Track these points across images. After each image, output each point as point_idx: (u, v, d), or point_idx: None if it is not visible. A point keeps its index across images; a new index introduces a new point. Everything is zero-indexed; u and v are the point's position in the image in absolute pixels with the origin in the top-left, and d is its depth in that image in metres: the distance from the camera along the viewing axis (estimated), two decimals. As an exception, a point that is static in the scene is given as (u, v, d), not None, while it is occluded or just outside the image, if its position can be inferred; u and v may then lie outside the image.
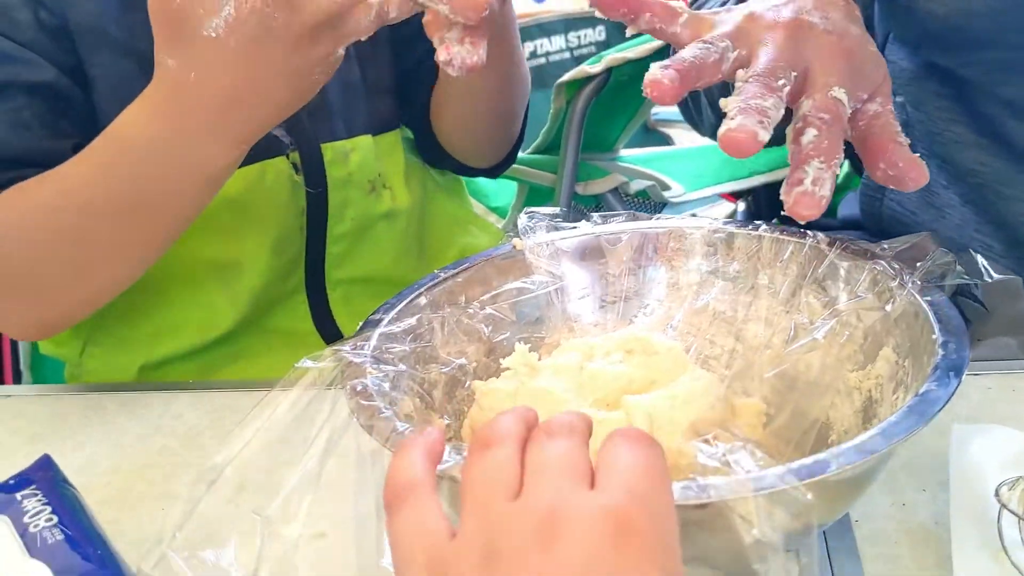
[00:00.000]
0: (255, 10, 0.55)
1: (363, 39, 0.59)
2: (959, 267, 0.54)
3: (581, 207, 0.64)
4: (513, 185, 1.47)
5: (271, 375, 0.82)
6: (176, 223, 0.68)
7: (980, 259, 0.57)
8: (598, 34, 2.80)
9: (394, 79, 0.89)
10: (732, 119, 0.49)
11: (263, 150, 0.78)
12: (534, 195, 1.39)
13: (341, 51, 0.60)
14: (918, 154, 0.53)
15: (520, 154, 1.41)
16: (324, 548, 0.55)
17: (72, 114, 0.73)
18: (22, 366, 1.04)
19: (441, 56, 0.56)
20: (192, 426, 0.71)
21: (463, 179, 1.04)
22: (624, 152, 1.44)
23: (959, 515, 0.50)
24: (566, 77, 1.22)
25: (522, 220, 0.66)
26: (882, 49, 0.82)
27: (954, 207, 0.90)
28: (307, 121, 0.80)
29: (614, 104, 1.31)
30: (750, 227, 0.64)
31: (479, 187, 1.49)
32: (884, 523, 0.54)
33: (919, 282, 0.53)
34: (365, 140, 0.84)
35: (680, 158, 1.53)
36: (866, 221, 1.05)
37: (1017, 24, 0.75)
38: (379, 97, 0.87)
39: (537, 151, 1.39)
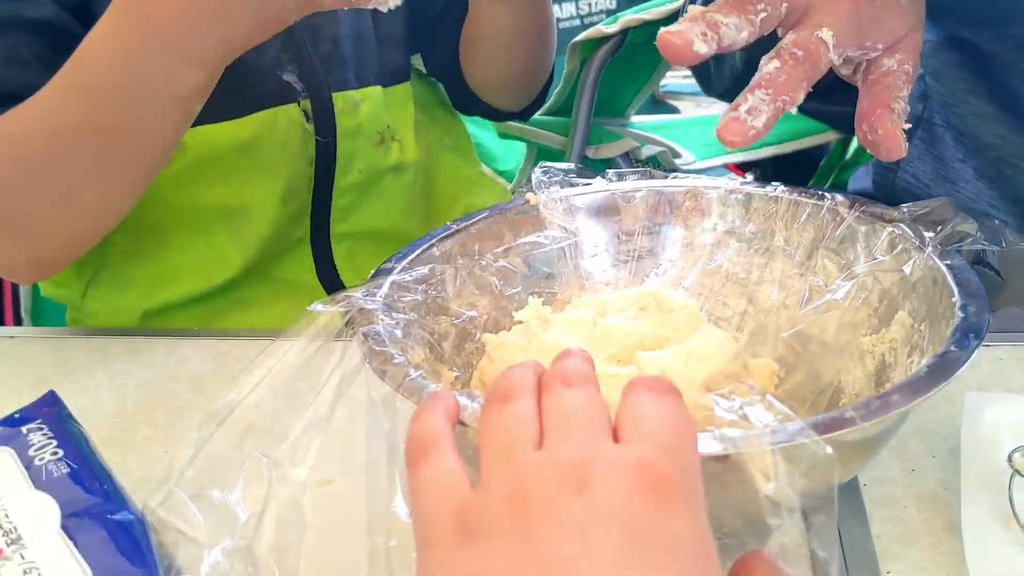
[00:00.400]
0: None
1: None
2: (979, 233, 0.54)
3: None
4: (521, 148, 1.46)
5: (274, 324, 0.82)
6: (154, 145, 0.66)
7: (1000, 225, 0.56)
8: (609, 2, 2.78)
9: (407, 31, 0.88)
10: (679, 24, 0.47)
11: (275, 96, 0.77)
12: (543, 157, 1.37)
13: None
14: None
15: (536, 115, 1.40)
16: (331, 494, 0.55)
17: (72, 52, 0.72)
18: (23, 311, 1.04)
19: None
20: (197, 371, 0.71)
21: (472, 141, 1.04)
22: (635, 119, 1.43)
23: (969, 480, 0.50)
24: (581, 37, 1.21)
25: (536, 174, 0.65)
26: None
27: (969, 181, 0.89)
28: (320, 69, 0.79)
29: (628, 68, 1.30)
30: (768, 187, 0.63)
31: (487, 150, 1.48)
32: (893, 487, 0.54)
33: (939, 246, 0.52)
34: (375, 91, 0.83)
35: (690, 126, 1.52)
36: (878, 194, 1.04)
37: None
38: (391, 48, 0.87)
39: (548, 112, 1.37)
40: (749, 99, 0.48)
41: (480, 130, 1.53)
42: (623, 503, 0.32)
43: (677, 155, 1.36)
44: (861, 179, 1.22)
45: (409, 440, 0.38)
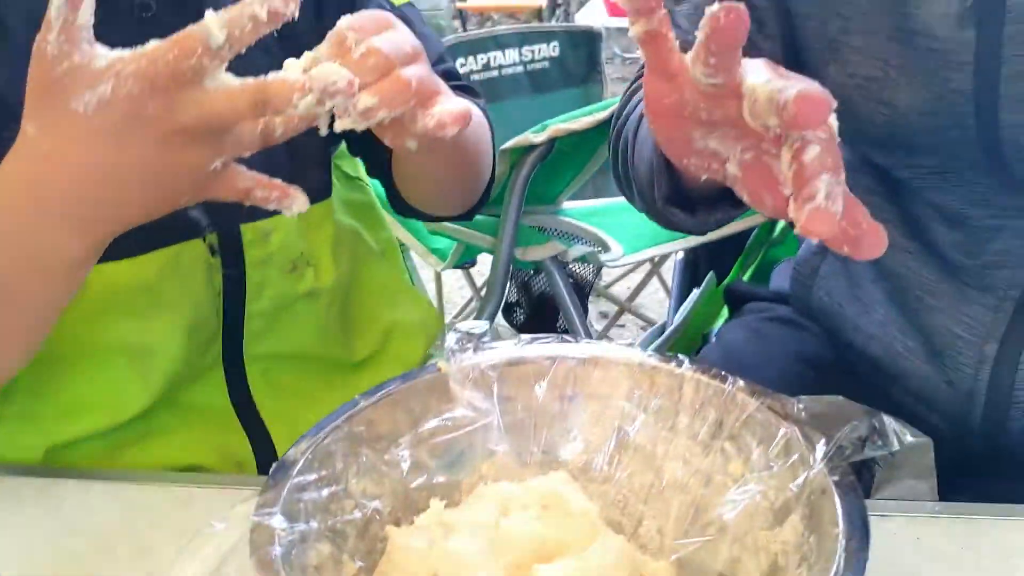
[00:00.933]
0: (131, 95, 0.54)
1: (245, 155, 0.59)
2: (870, 438, 0.56)
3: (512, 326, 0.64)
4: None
5: (184, 454, 0.82)
6: (43, 310, 0.66)
7: (890, 424, 0.58)
8: (552, 49, 2.82)
9: (323, 149, 0.88)
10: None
11: (178, 233, 0.76)
12: (472, 251, 1.39)
13: (218, 164, 0.59)
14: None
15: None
16: None
17: None
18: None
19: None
20: (105, 527, 0.70)
21: (398, 243, 1.04)
22: (567, 204, 1.45)
23: None
24: (509, 144, 1.22)
25: (450, 340, 0.66)
26: None
27: (880, 303, 0.91)
28: (224, 202, 0.78)
29: (558, 166, 1.31)
30: (673, 363, 0.65)
31: (418, 227, 1.49)
32: None
33: (829, 459, 0.54)
34: (285, 219, 0.82)
35: (622, 211, 1.54)
36: (795, 304, 1.07)
37: (954, 138, 0.76)
38: (306, 170, 0.85)
39: (477, 209, 1.38)
40: (820, 185, 0.47)
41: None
42: None
43: (606, 248, 1.38)
44: (783, 277, 1.25)
45: None
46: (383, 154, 0.88)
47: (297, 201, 0.62)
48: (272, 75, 0.56)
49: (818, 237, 0.47)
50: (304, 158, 0.85)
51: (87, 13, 0.55)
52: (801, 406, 0.58)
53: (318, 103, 0.55)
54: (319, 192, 0.88)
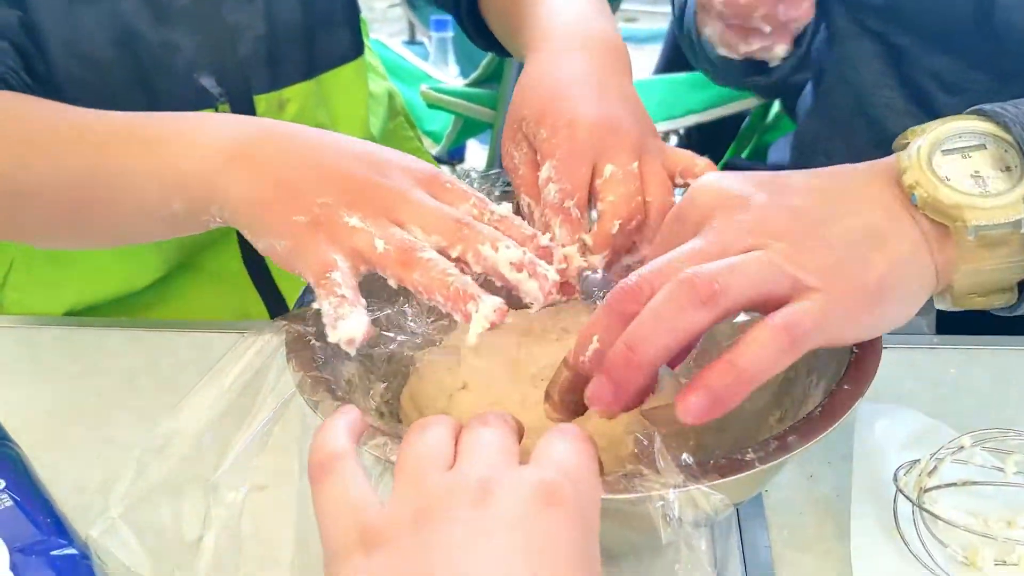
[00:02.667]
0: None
1: None
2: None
3: None
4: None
5: (200, 314, 0.83)
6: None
7: None
8: None
9: (351, 9, 0.85)
10: None
11: (190, 102, 0.76)
12: (470, 126, 1.38)
13: None
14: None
15: (457, 86, 1.40)
16: (263, 499, 0.57)
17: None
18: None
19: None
20: (128, 367, 0.72)
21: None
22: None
23: (859, 492, 0.55)
24: None
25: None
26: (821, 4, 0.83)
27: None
28: (238, 72, 0.78)
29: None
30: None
31: (412, 109, 1.47)
32: (792, 493, 0.58)
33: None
34: (303, 87, 0.81)
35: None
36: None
37: (947, 5, 0.78)
38: (329, 32, 0.83)
39: (475, 83, 1.37)
40: None
41: (407, 88, 1.52)
42: (518, 514, 0.36)
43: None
44: (781, 150, 1.26)
45: (311, 458, 0.40)
46: None
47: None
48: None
49: None
50: (324, 24, 0.82)
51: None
52: None
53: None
54: (347, 53, 0.85)
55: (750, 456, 0.43)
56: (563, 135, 0.55)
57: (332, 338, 0.45)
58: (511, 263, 0.47)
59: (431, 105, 1.38)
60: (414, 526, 0.36)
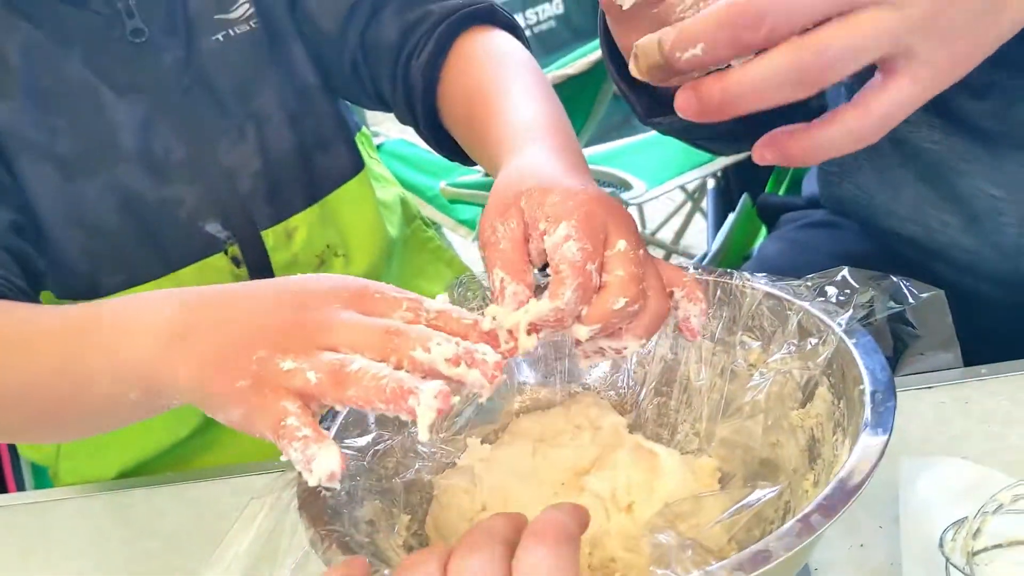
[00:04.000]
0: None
1: None
2: (883, 297, 0.55)
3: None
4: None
5: (246, 453, 0.84)
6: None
7: (902, 283, 0.58)
8: (555, 7, 2.77)
9: (342, 126, 0.86)
10: None
11: (199, 250, 0.77)
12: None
13: None
14: None
15: (475, 176, 1.41)
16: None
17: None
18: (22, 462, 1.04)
19: None
20: (174, 525, 0.73)
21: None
22: (587, 151, 1.44)
23: (910, 562, 0.52)
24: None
25: (455, 291, 0.66)
26: None
27: (909, 185, 0.90)
28: (241, 211, 0.80)
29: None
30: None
31: (442, 202, 1.49)
32: (843, 567, 0.55)
33: (844, 324, 0.54)
34: (308, 213, 0.83)
35: (641, 149, 1.53)
36: (826, 202, 1.06)
37: None
38: (329, 153, 0.85)
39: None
40: None
41: (438, 180, 1.54)
42: None
43: (628, 187, 1.37)
44: (812, 182, 1.23)
45: None
46: (421, 101, 0.80)
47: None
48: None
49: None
50: (321, 146, 0.84)
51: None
52: (808, 283, 0.58)
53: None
54: (345, 170, 0.86)
55: (773, 545, 0.41)
56: (579, 199, 0.51)
57: (312, 481, 0.44)
58: (446, 360, 0.45)
59: (453, 202, 1.39)
60: None
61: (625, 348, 0.51)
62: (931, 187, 0.88)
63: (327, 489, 0.45)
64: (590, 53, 1.15)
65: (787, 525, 0.43)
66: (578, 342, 0.51)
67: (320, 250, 0.85)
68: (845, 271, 0.57)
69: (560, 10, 2.86)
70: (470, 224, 1.46)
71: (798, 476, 0.55)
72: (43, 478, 1.01)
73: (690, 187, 1.82)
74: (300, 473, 0.45)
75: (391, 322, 0.48)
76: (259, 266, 0.81)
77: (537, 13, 2.84)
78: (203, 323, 0.50)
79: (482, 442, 0.59)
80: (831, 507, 0.43)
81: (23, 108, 0.73)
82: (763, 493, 0.49)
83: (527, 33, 2.97)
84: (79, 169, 0.74)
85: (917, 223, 0.89)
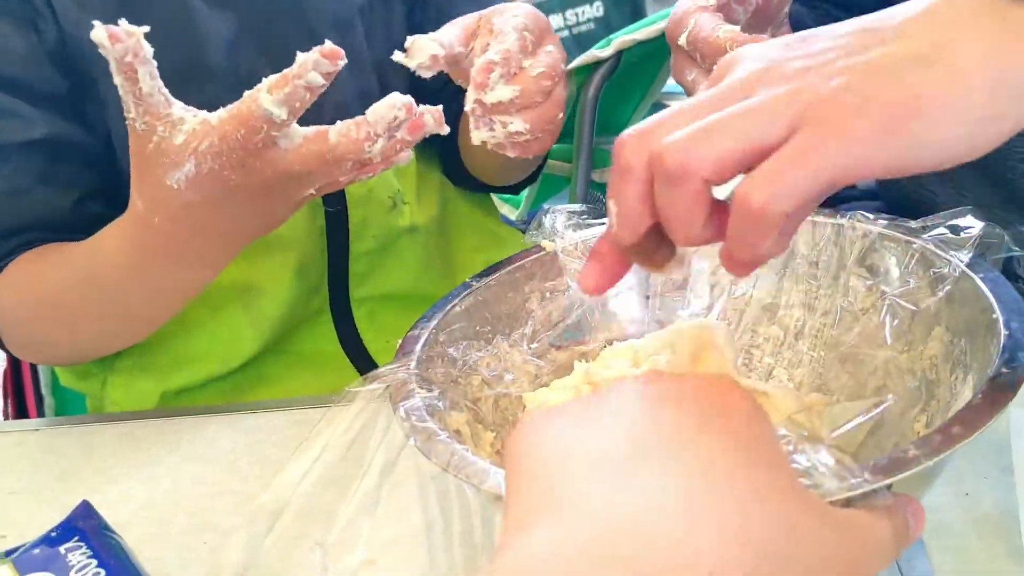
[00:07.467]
0: (212, 170, 0.55)
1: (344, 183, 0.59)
2: (1007, 240, 0.53)
3: (599, 195, 0.62)
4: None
5: (302, 394, 0.81)
6: (169, 314, 0.73)
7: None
8: (596, 10, 2.75)
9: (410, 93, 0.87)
10: None
11: None
12: (547, 183, 1.36)
13: (312, 191, 0.59)
14: None
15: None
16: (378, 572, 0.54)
17: (71, 158, 0.73)
18: (43, 389, 1.02)
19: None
20: (227, 451, 0.70)
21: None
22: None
23: (1028, 503, 0.49)
24: (575, 63, 1.19)
25: (548, 220, 0.64)
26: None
27: (973, 181, 0.89)
28: None
29: (626, 86, 1.28)
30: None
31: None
32: (948, 514, 0.53)
33: (969, 259, 0.51)
34: None
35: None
36: (885, 198, 1.04)
37: None
38: None
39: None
40: None
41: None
42: None
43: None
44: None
45: None
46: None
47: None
48: (337, 128, 0.57)
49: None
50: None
51: (147, 80, 0.55)
52: (928, 221, 0.56)
53: (390, 139, 0.57)
54: None
55: (913, 452, 0.39)
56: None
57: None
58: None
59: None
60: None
61: (511, 124, 0.58)
62: (994, 186, 0.86)
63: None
64: (659, 21, 1.14)
65: (924, 435, 0.40)
66: (476, 107, 0.58)
67: (392, 192, 0.83)
68: (965, 210, 0.55)
69: (600, 12, 2.84)
70: (515, 203, 1.44)
71: (906, 421, 0.52)
72: (72, 409, 0.98)
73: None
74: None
75: None
76: (335, 196, 0.79)
77: (577, 14, 2.83)
78: None
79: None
80: (971, 422, 0.41)
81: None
82: (885, 402, 0.46)
83: (566, 33, 2.92)
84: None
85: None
